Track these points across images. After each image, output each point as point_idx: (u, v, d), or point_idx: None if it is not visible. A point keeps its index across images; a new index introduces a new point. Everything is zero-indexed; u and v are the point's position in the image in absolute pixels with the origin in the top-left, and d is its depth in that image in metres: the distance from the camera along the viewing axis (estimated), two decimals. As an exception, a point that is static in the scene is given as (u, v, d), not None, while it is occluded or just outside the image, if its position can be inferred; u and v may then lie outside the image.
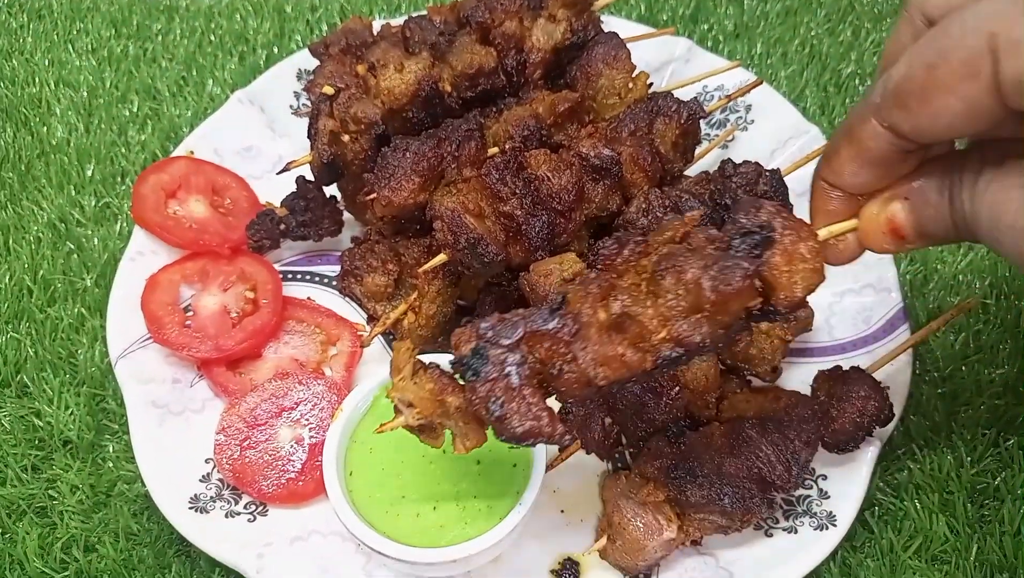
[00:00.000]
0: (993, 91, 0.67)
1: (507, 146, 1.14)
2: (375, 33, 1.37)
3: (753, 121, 1.47)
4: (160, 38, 1.66)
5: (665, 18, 1.71)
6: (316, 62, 1.38)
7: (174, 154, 1.39)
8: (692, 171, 1.30)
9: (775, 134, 1.44)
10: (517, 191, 1.08)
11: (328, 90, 1.22)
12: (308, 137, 1.23)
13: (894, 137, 0.77)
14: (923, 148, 0.78)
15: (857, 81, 1.59)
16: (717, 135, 1.45)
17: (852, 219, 0.82)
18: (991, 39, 0.66)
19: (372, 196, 1.15)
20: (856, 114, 0.80)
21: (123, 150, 1.49)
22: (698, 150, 1.34)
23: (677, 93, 1.25)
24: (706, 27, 1.69)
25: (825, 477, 1.11)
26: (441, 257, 1.10)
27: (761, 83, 1.37)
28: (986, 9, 0.67)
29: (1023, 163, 0.72)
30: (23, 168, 1.47)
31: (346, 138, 1.19)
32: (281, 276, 1.30)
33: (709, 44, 1.64)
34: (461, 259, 1.08)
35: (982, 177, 0.74)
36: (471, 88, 1.23)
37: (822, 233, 0.82)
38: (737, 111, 1.48)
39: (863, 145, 0.79)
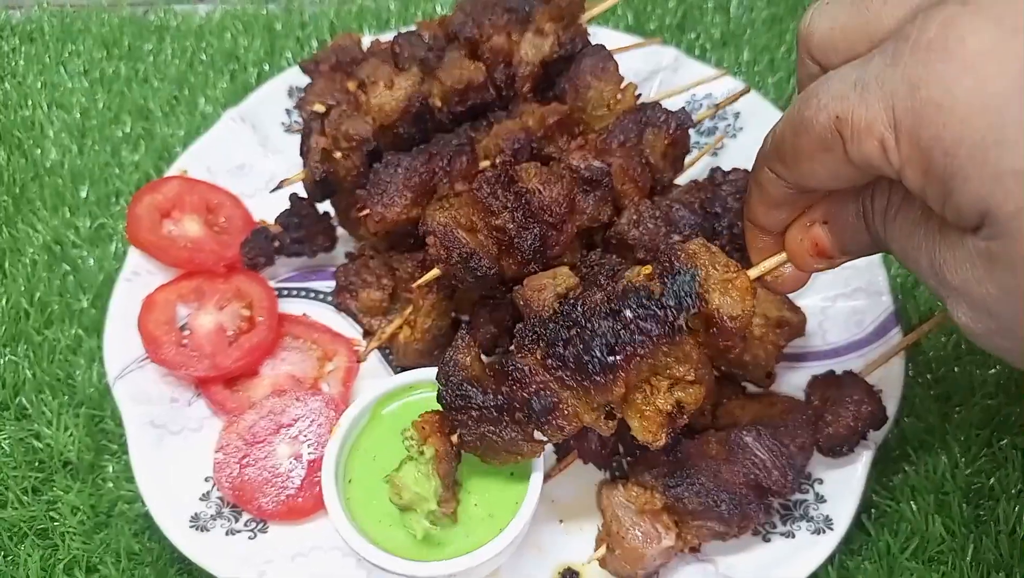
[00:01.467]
0: (847, 162, 0.71)
1: (498, 160, 1.15)
2: (365, 49, 1.39)
3: (742, 128, 1.48)
4: (151, 58, 1.67)
5: (652, 28, 1.72)
6: (307, 79, 1.39)
7: (167, 174, 1.40)
8: (682, 179, 1.31)
9: (763, 140, 1.44)
10: (508, 205, 1.09)
11: (319, 108, 1.23)
12: (300, 155, 1.24)
13: (784, 183, 0.80)
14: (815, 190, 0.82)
15: (844, 86, 1.60)
16: (707, 143, 1.47)
17: (781, 252, 0.87)
18: (837, 123, 0.69)
19: (365, 212, 1.16)
20: (756, 162, 0.84)
21: (117, 171, 1.50)
22: (688, 158, 1.35)
23: (666, 103, 1.26)
24: (693, 36, 1.70)
25: (821, 481, 1.12)
26: (435, 272, 1.10)
27: (749, 91, 1.38)
28: (832, 89, 0.69)
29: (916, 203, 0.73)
30: (17, 191, 1.47)
31: (338, 155, 1.20)
32: (276, 293, 1.31)
33: (697, 53, 1.66)
34: (454, 273, 1.09)
35: (890, 207, 0.76)
36: (461, 103, 1.24)
37: (753, 273, 0.87)
38: (726, 119, 1.50)
39: (765, 189, 0.83)
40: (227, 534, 1.10)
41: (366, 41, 1.41)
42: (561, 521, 1.13)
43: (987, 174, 0.61)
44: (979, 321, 0.70)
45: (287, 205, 1.32)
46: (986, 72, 0.60)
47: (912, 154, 0.65)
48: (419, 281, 1.12)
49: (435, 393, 1.11)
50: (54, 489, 1.16)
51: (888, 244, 0.77)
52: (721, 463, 1.02)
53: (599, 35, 1.44)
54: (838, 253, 0.84)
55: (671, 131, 1.21)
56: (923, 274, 0.74)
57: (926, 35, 0.62)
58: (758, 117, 1.47)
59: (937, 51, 0.62)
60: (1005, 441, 1.16)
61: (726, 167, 1.26)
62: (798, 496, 1.11)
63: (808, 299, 1.27)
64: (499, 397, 0.94)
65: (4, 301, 1.32)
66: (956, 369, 1.23)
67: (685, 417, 0.89)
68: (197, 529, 1.09)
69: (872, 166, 0.69)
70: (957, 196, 0.63)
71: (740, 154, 1.44)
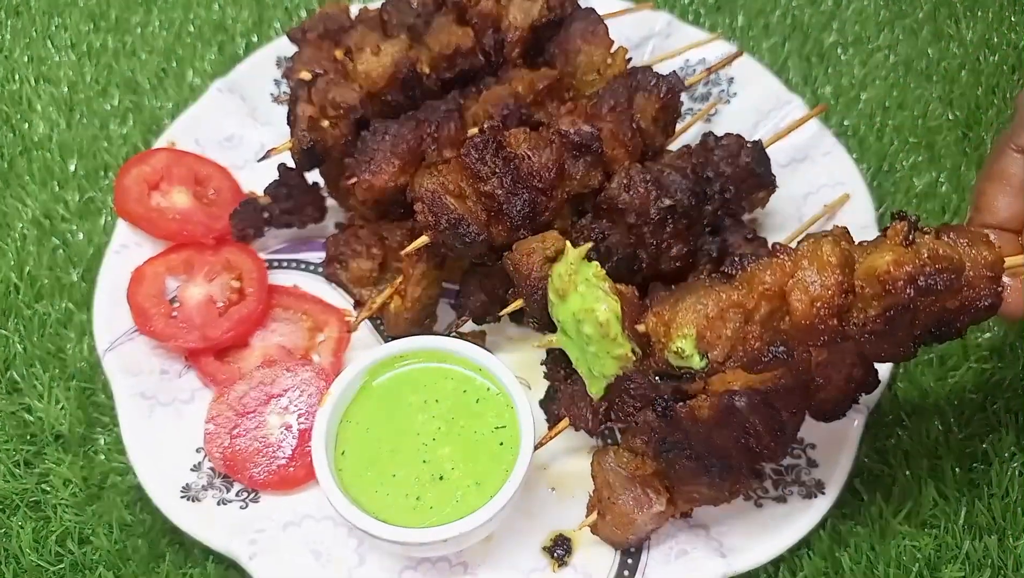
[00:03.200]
0: None
1: (486, 125, 1.13)
2: (353, 18, 1.37)
3: (736, 94, 1.47)
4: (139, 31, 1.65)
5: (646, -7, 1.69)
6: (295, 49, 1.37)
7: (155, 146, 1.39)
8: (675, 145, 1.30)
9: (757, 106, 1.43)
10: (497, 170, 1.08)
11: (306, 76, 1.21)
12: (288, 124, 1.23)
13: None
14: None
15: (839, 51, 1.58)
16: (700, 109, 1.45)
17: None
18: None
19: (353, 180, 1.15)
20: (993, 153, 0.88)
21: (105, 144, 1.49)
22: (681, 124, 1.34)
23: (659, 68, 1.25)
24: (686, 0, 1.68)
25: (813, 446, 1.11)
26: (423, 239, 1.10)
27: (741, 55, 1.37)
28: None
29: None
30: (5, 165, 1.46)
31: (325, 123, 1.19)
32: (267, 264, 1.30)
33: (690, 18, 1.63)
34: (443, 240, 1.08)
35: None
36: (449, 69, 1.22)
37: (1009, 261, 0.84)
38: (719, 84, 1.48)
39: (1007, 176, 0.87)
40: (218, 504, 1.10)
41: (354, 10, 1.39)
42: (553, 489, 1.13)
43: None
44: None
45: (276, 176, 1.30)
46: None
47: None
48: (407, 248, 1.11)
49: (426, 364, 1.12)
50: (46, 462, 1.16)
51: None
52: (712, 428, 1.01)
53: (589, 0, 1.42)
54: None
55: (662, 95, 1.20)
56: None
57: None
58: (752, 82, 1.46)
59: None
60: (998, 405, 1.16)
61: (719, 133, 1.25)
62: (790, 461, 1.10)
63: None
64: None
65: (-7, 275, 1.32)
66: (950, 333, 1.22)
67: None
68: (188, 499, 1.09)
69: None
70: None
71: (734, 120, 1.43)
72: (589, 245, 0.84)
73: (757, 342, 0.81)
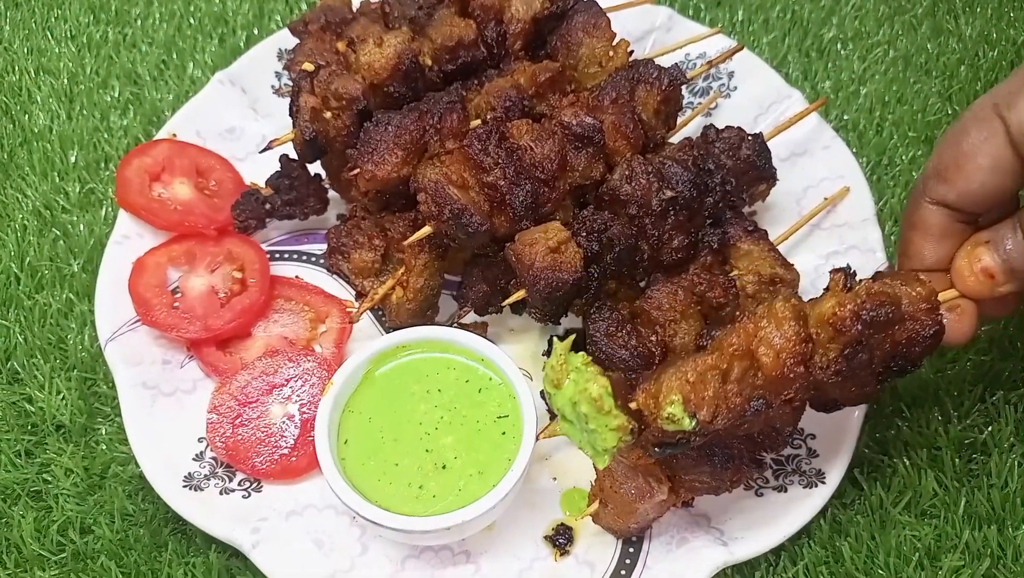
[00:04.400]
0: (1009, 144, 0.88)
1: (489, 117, 1.14)
2: (354, 10, 1.37)
3: (736, 88, 1.47)
4: (139, 23, 1.65)
5: (646, -12, 1.70)
6: (296, 41, 1.37)
7: (157, 137, 1.39)
8: (676, 139, 1.30)
9: (758, 100, 1.44)
10: (500, 161, 1.08)
11: (308, 67, 1.21)
12: (290, 115, 1.23)
13: (946, 210, 0.95)
14: (975, 216, 0.95)
15: (839, 46, 1.59)
16: (701, 103, 1.45)
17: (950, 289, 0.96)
18: (995, 108, 0.88)
19: (355, 171, 1.15)
20: (910, 205, 0.98)
21: (106, 136, 1.49)
22: (682, 118, 1.34)
23: (660, 62, 1.25)
24: (687, -4, 1.69)
25: (814, 436, 1.12)
26: (426, 229, 1.10)
27: (742, 48, 1.37)
28: (984, 96, 0.91)
29: None
30: (6, 157, 1.46)
31: (328, 115, 1.19)
32: (269, 256, 1.30)
33: (690, 12, 1.64)
34: (446, 230, 1.08)
35: None
36: (452, 61, 1.22)
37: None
38: (720, 79, 1.48)
39: (926, 225, 0.96)
40: (221, 493, 1.10)
41: (356, 2, 1.40)
42: (555, 478, 1.13)
43: None
44: None
45: (278, 168, 1.30)
46: None
47: None
48: (410, 239, 1.11)
49: (429, 354, 1.12)
50: (47, 452, 1.16)
51: None
52: (714, 417, 1.02)
53: (591, -7, 1.42)
54: (1001, 272, 0.93)
55: (663, 88, 1.20)
56: None
57: None
58: (752, 77, 1.46)
59: None
60: (998, 396, 1.16)
61: (720, 127, 1.25)
62: (790, 451, 1.11)
63: (802, 256, 1.27)
64: None
65: (-6, 266, 1.32)
66: (950, 326, 1.23)
67: None
68: (191, 489, 1.09)
69: None
70: None
71: (734, 114, 1.43)
72: (572, 337, 0.93)
73: (737, 399, 0.88)
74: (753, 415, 0.88)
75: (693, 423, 0.87)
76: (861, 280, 0.93)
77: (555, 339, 0.94)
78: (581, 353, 0.93)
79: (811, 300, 0.94)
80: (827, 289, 0.95)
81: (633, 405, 0.90)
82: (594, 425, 0.90)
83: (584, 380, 0.89)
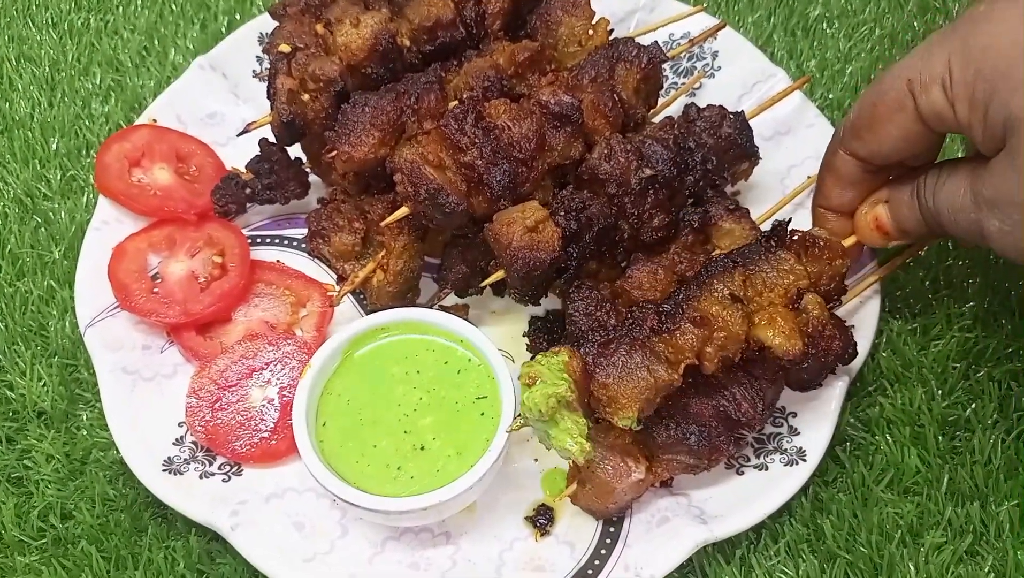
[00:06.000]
0: (918, 120, 0.93)
1: (466, 96, 1.13)
2: (334, -8, 1.36)
3: (720, 68, 1.46)
4: (120, 9, 1.64)
5: (631, -32, 1.68)
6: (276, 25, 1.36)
7: (137, 123, 1.38)
8: (659, 119, 1.29)
9: (742, 79, 1.43)
10: (477, 141, 1.07)
11: (285, 48, 1.20)
12: (268, 97, 1.22)
13: (858, 161, 1.03)
14: (885, 168, 1.03)
15: (824, 24, 1.57)
16: (685, 84, 1.44)
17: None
18: (908, 84, 0.92)
19: (333, 153, 1.14)
20: (829, 149, 1.07)
21: (87, 123, 1.48)
22: (665, 99, 1.34)
23: (643, 41, 1.24)
24: (672, -25, 1.67)
25: (795, 414, 1.11)
26: (403, 210, 1.09)
27: (724, 26, 1.36)
28: (903, 63, 0.94)
29: (965, 162, 0.94)
30: (-13, 144, 1.46)
31: (306, 97, 1.18)
32: (250, 241, 1.29)
33: (675, -8, 1.62)
34: (423, 211, 1.08)
35: (939, 180, 0.96)
36: (430, 41, 1.21)
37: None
38: (704, 58, 1.47)
39: (838, 171, 1.06)
40: (201, 477, 1.10)
41: (336, -16, 1.38)
42: (536, 460, 1.13)
43: (1009, 86, 0.82)
44: (1008, 219, 0.86)
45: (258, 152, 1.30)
46: (1015, 27, 0.83)
47: (962, 91, 0.86)
48: (387, 220, 1.11)
49: (408, 336, 1.12)
50: (28, 438, 1.16)
51: (936, 214, 0.96)
52: (691, 396, 1.01)
53: (572, -27, 1.41)
54: (894, 231, 1.04)
55: (643, 66, 1.19)
56: (964, 222, 0.92)
57: (977, 10, 0.87)
58: (736, 56, 1.45)
59: (983, 18, 0.86)
60: (981, 373, 1.16)
61: (703, 106, 1.24)
62: (771, 429, 1.10)
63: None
64: None
65: (-25, 254, 1.31)
66: (933, 303, 1.22)
67: None
68: (171, 473, 1.09)
69: (936, 114, 0.90)
70: (991, 112, 0.84)
71: (718, 94, 1.42)
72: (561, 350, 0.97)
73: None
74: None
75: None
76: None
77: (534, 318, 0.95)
78: (558, 358, 0.95)
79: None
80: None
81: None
82: (553, 431, 0.93)
83: (548, 387, 0.92)
